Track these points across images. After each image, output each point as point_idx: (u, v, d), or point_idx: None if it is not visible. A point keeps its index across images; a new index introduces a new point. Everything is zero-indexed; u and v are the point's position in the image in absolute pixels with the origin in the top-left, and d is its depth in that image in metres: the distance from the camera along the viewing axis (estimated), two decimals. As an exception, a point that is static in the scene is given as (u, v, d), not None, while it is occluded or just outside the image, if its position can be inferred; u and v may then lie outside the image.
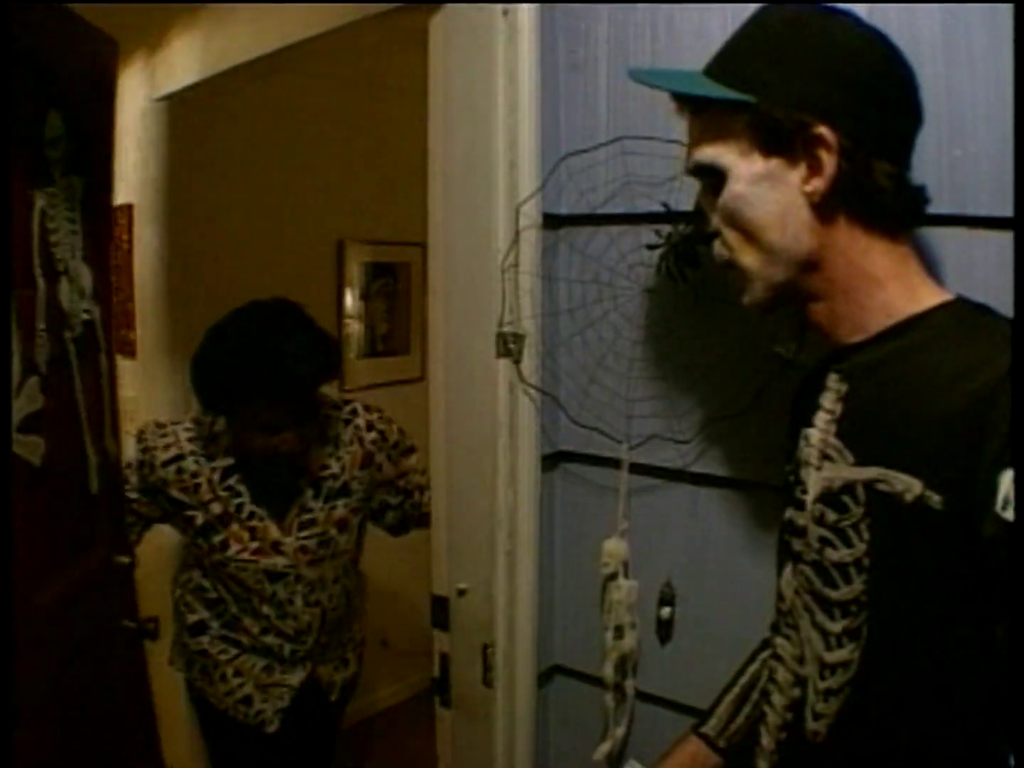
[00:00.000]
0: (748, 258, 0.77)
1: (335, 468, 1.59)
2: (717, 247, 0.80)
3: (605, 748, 1.17)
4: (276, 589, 1.56)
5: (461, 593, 1.25)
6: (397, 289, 3.05)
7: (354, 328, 2.93)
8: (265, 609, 1.57)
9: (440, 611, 1.29)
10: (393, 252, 2.97)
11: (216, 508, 1.53)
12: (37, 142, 1.32)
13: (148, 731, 1.87)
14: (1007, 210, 0.79)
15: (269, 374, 1.38)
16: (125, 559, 1.55)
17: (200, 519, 1.53)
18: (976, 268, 0.84)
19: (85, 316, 1.52)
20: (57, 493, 1.35)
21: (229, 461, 1.54)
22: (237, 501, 1.54)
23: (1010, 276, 0.73)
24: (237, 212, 2.37)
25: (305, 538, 1.56)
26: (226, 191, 2.41)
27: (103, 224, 1.68)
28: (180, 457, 1.53)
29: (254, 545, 1.54)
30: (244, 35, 1.74)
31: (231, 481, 1.54)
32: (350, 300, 2.91)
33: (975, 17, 0.83)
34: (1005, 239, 0.81)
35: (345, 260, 2.86)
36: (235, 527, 1.53)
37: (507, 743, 1.24)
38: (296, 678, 1.62)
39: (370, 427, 1.63)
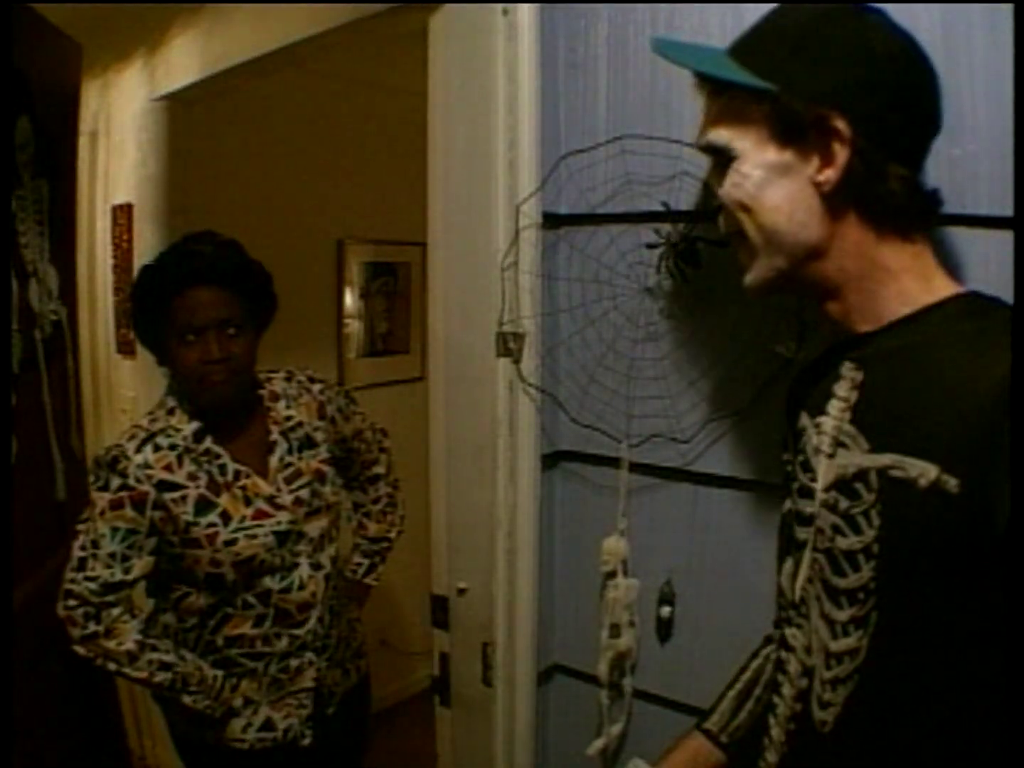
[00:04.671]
0: (751, 233, 0.78)
1: (298, 417, 1.57)
2: (722, 219, 0.81)
3: (599, 744, 1.17)
4: (283, 554, 1.46)
5: (461, 592, 1.26)
6: (397, 288, 3.05)
7: (354, 327, 2.93)
8: (267, 582, 1.45)
9: (440, 610, 1.29)
10: (393, 252, 2.97)
11: (202, 478, 1.43)
12: (8, 146, 1.32)
13: (112, 721, 1.89)
14: (1007, 210, 0.79)
15: (193, 258, 1.43)
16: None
17: (193, 493, 1.41)
18: (976, 268, 0.84)
19: (53, 316, 1.52)
20: (26, 491, 1.35)
21: (197, 424, 1.45)
22: (219, 462, 1.45)
23: (1009, 276, 0.73)
24: (237, 211, 2.36)
25: (296, 489, 1.51)
26: (226, 190, 2.41)
27: (68, 226, 1.69)
28: (151, 436, 1.43)
29: (251, 510, 1.45)
30: (244, 34, 1.74)
31: (207, 443, 1.46)
32: (350, 299, 2.91)
33: (975, 17, 0.83)
34: (1005, 238, 0.81)
35: (345, 260, 2.86)
36: (226, 493, 1.44)
37: (507, 742, 1.24)
38: (308, 676, 1.50)
39: (312, 380, 1.64)
